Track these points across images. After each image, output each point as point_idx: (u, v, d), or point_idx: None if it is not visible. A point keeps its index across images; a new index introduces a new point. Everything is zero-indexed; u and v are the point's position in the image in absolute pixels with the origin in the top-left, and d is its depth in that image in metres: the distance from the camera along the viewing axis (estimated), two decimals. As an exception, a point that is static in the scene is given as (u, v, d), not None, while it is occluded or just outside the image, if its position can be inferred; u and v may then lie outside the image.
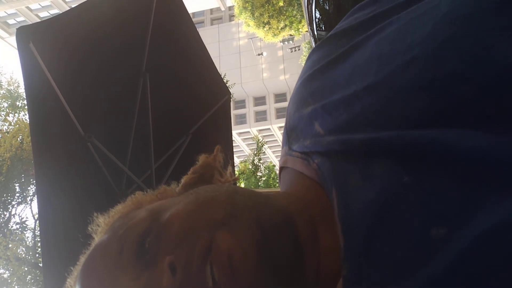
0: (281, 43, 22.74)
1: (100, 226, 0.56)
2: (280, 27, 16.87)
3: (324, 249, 0.46)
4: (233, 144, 3.28)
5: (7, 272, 8.75)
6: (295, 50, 23.55)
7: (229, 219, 0.44)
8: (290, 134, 0.56)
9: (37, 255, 8.90)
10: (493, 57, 0.37)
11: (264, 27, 16.83)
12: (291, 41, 21.95)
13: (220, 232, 0.42)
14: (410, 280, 0.35)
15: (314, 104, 0.52)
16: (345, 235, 0.41)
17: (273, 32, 17.02)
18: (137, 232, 0.47)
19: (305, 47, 18.21)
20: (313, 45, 4.70)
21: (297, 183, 0.52)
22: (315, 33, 3.84)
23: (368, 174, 0.42)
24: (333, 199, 0.44)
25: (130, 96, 2.31)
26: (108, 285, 0.45)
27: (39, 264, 8.57)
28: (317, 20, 4.46)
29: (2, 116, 9.57)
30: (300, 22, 16.43)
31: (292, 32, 17.29)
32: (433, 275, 0.34)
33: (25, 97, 9.90)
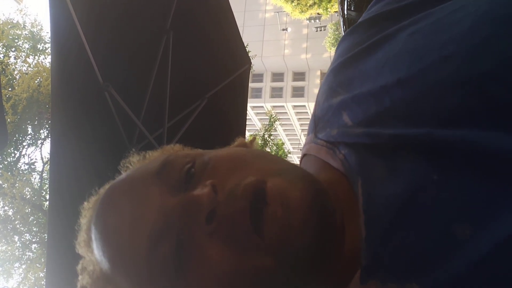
0: (307, 21, 22.34)
1: (133, 165, 0.56)
2: (308, 4, 16.52)
3: (347, 239, 0.46)
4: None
5: (11, 210, 9.00)
6: (320, 30, 23.12)
7: (284, 172, 0.44)
8: (317, 122, 0.56)
9: (42, 198, 9.12)
10: None
11: (292, 1, 16.50)
12: (317, 20, 21.56)
13: (275, 178, 0.42)
14: (428, 276, 0.35)
15: (344, 94, 0.51)
16: (367, 226, 0.41)
17: (301, 9, 16.69)
18: (182, 160, 0.47)
19: (331, 28, 17.85)
20: (341, 25, 4.62)
21: (322, 172, 0.52)
22: (345, 12, 3.76)
23: (395, 168, 0.42)
24: (358, 190, 0.44)
25: (152, 52, 2.30)
26: (140, 194, 0.45)
27: (43, 208, 8.79)
28: (348, 0, 4.37)
29: (22, 57, 9.61)
30: (329, 1, 16.06)
31: (320, 11, 16.93)
32: (454, 274, 0.34)
33: (46, 40, 9.93)
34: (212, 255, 0.41)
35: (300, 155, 0.62)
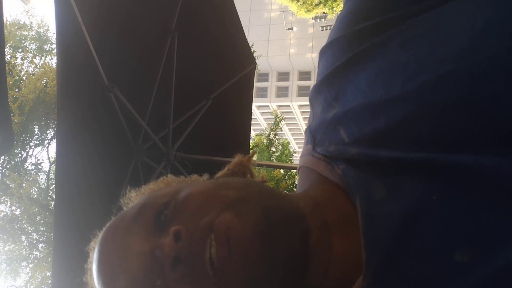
0: (313, 20, 22.30)
1: (131, 201, 0.59)
2: (314, 3, 16.48)
3: (337, 256, 0.46)
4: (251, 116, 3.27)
5: (18, 209, 9.06)
6: (326, 29, 23.07)
7: (238, 203, 0.45)
8: (315, 134, 0.55)
9: (48, 197, 9.17)
10: None
11: (298, 1, 16.47)
12: (323, 19, 21.52)
13: (226, 211, 0.44)
14: None
15: (337, 108, 0.51)
16: (368, 250, 0.41)
17: (306, 8, 16.64)
18: (157, 203, 0.50)
19: (337, 27, 17.72)
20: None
21: (319, 186, 0.52)
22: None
23: (394, 189, 0.41)
24: (357, 209, 0.44)
25: (156, 53, 2.30)
26: (121, 242, 0.48)
27: (50, 207, 8.84)
28: (354, 0, 4.36)
29: (29, 58, 9.66)
30: (335, 0, 16.02)
31: (326, 10, 16.87)
32: None
33: (53, 41, 9.97)
34: None
35: None
